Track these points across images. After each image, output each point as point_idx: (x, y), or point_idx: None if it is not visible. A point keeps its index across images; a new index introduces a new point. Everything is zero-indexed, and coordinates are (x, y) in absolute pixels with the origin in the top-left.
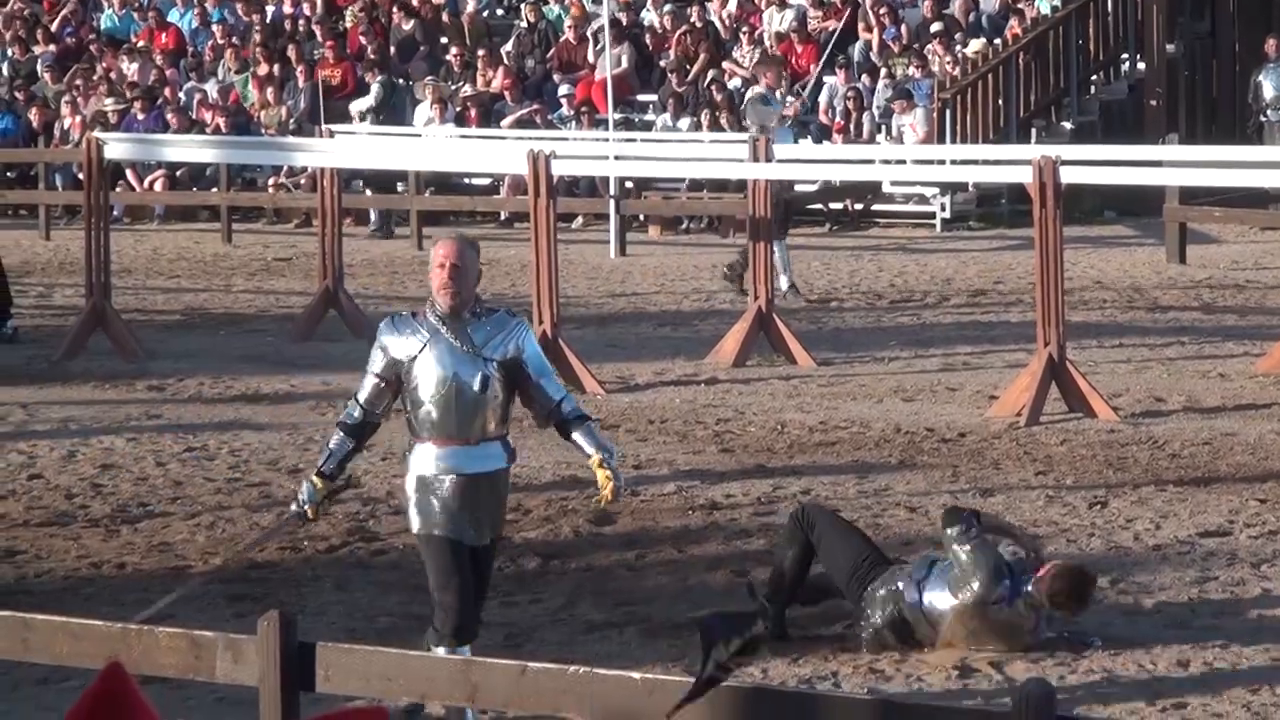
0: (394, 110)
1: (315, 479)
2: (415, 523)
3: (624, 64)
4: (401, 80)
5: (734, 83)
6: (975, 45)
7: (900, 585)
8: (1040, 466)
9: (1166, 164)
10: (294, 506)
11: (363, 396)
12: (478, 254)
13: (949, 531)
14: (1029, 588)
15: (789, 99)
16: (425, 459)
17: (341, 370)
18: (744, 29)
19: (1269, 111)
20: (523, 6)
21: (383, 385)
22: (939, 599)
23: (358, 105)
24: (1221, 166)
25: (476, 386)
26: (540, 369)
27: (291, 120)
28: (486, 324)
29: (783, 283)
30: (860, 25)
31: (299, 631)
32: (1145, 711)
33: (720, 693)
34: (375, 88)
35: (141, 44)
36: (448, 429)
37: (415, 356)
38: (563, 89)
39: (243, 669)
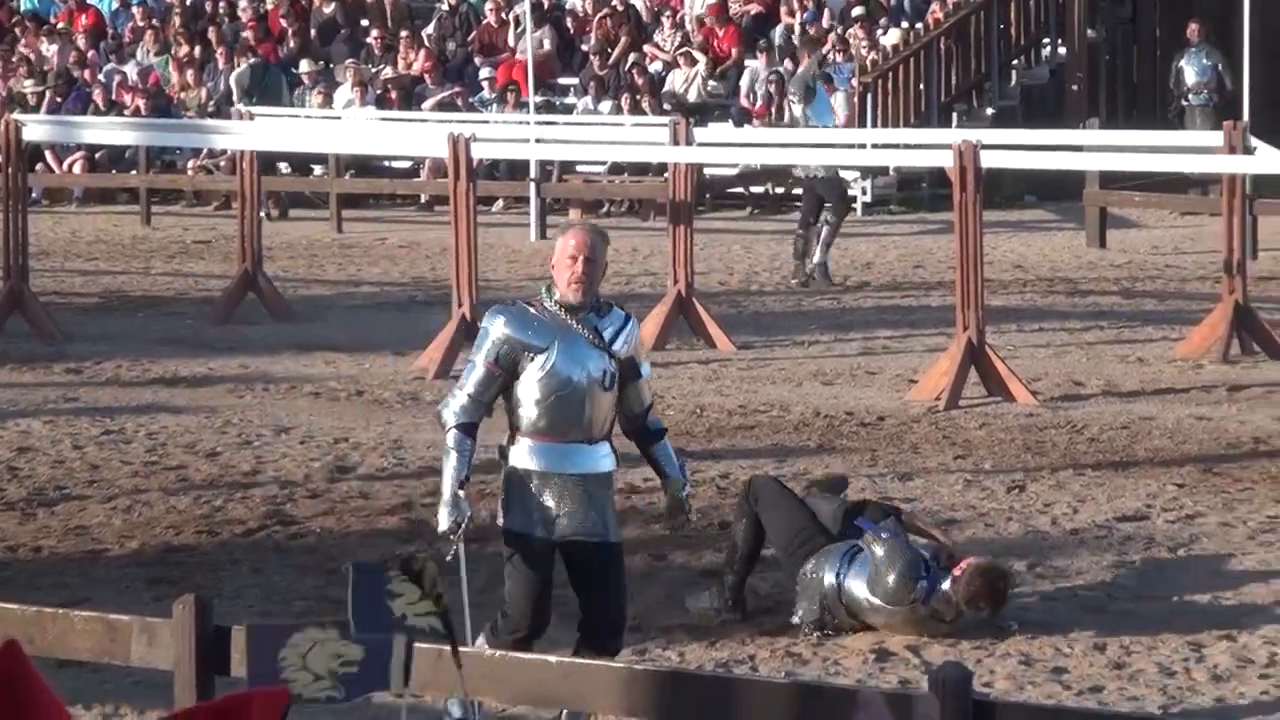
0: (268, 92)
1: (460, 493)
2: (515, 520)
3: (545, 47)
4: (323, 63)
5: (655, 66)
6: (895, 33)
7: (825, 570)
8: (959, 450)
9: (1087, 149)
10: (445, 525)
11: (471, 388)
12: (607, 245)
13: (867, 529)
14: (945, 586)
15: (813, 66)
16: (537, 456)
17: (260, 353)
18: (665, 13)
19: (1190, 96)
20: None
21: (497, 375)
22: (857, 588)
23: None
24: (1142, 151)
25: (605, 383)
26: (642, 371)
27: (211, 103)
28: (609, 319)
29: (816, 257)
30: (782, 9)
31: (215, 615)
32: (1061, 695)
33: (637, 676)
34: (244, 68)
35: (61, 25)
36: (569, 426)
37: (545, 350)
38: (484, 72)
39: (158, 652)
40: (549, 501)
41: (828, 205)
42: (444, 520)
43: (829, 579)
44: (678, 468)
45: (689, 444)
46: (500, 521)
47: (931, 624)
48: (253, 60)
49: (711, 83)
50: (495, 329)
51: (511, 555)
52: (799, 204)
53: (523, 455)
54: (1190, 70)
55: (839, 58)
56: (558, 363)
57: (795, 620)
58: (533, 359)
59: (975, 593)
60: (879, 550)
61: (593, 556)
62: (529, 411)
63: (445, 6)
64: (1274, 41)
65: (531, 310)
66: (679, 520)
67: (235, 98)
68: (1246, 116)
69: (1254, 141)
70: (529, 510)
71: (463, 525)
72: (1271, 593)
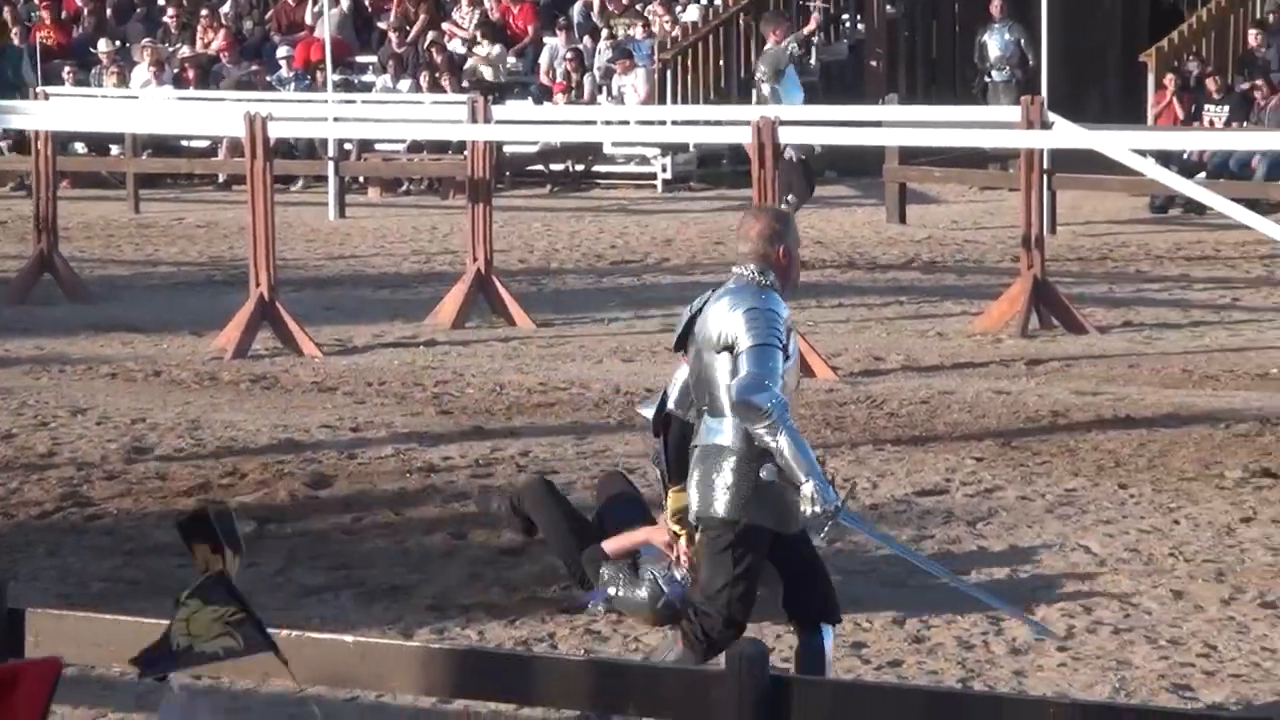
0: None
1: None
2: (760, 515)
3: (343, 25)
4: (120, 42)
5: (454, 44)
6: (695, 10)
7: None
8: None
9: (886, 124)
10: (822, 506)
11: (778, 372)
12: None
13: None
14: (680, 575)
15: (791, 46)
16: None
17: (56, 334)
18: None
19: (993, 72)
20: None
21: (785, 360)
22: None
23: None
24: (941, 127)
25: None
26: None
27: None
28: None
29: None
30: None
31: (9, 597)
32: (861, 670)
33: (435, 655)
34: None
35: None
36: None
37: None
38: (281, 50)
39: None
40: (789, 496)
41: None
42: (821, 501)
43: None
44: None
45: (488, 422)
46: (721, 513)
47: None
48: None
49: (510, 60)
50: (781, 309)
51: (742, 552)
52: (600, 181)
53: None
54: (993, 45)
55: (639, 34)
56: (795, 348)
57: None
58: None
59: None
60: (617, 605)
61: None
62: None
63: None
64: (1071, 17)
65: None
66: None
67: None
68: (1045, 92)
69: (1051, 116)
70: (771, 504)
71: (840, 507)
72: (1069, 565)
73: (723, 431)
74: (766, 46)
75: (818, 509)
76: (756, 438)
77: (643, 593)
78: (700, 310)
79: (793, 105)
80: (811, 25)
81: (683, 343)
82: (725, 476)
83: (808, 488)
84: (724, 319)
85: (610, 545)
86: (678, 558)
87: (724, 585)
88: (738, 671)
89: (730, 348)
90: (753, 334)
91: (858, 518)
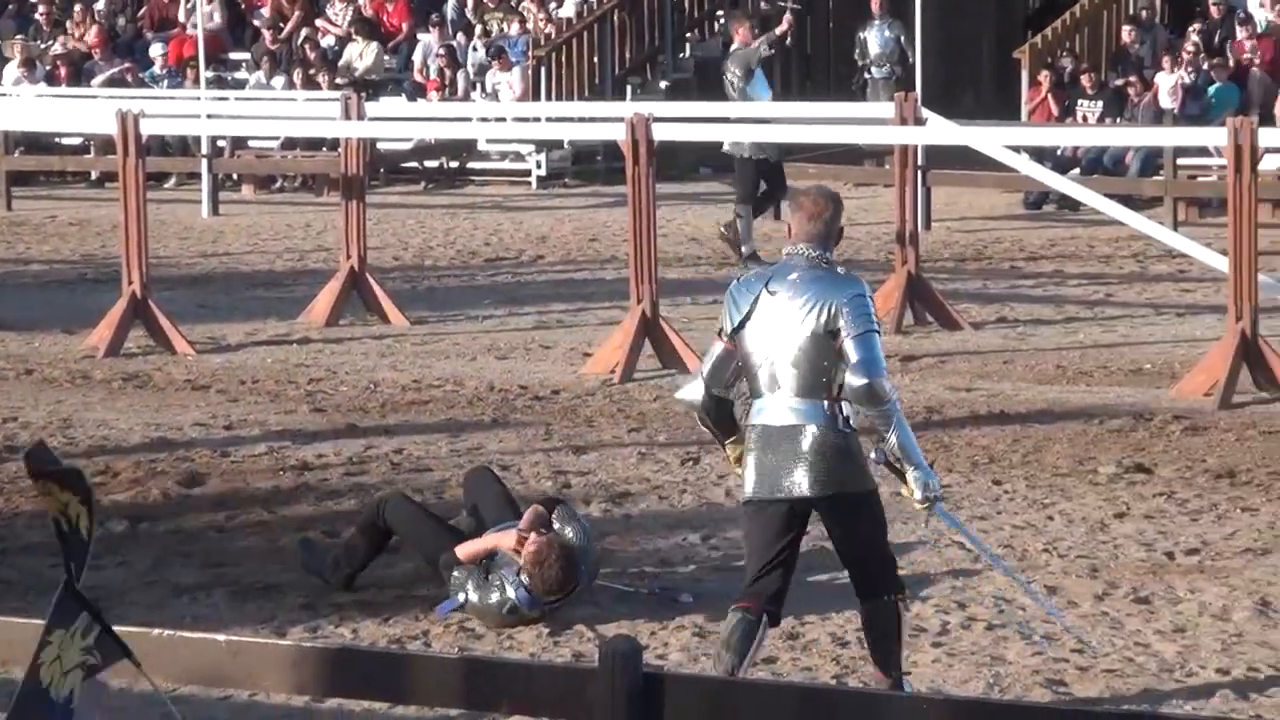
0: None
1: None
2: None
3: (216, 21)
4: None
5: (327, 40)
6: (570, 6)
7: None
8: (633, 423)
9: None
10: (926, 492)
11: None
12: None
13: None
14: (529, 593)
15: (762, 47)
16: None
17: None
18: None
19: (873, 69)
20: None
21: None
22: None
23: None
24: (816, 123)
25: None
26: None
27: None
28: None
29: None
30: None
31: None
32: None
33: (306, 654)
34: None
35: None
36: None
37: None
38: (155, 47)
39: None
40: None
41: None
42: (925, 488)
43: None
44: None
45: (362, 420)
46: (867, 486)
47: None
48: None
49: (385, 57)
50: (870, 294)
51: (878, 511)
52: (475, 178)
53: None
54: (874, 42)
55: (513, 30)
56: None
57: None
58: None
59: (551, 581)
60: (470, 610)
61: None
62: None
63: None
64: (946, 14)
65: None
66: None
67: None
68: (920, 88)
69: (926, 113)
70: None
71: (941, 496)
72: (943, 561)
73: (813, 412)
74: (734, 46)
75: (920, 494)
76: (869, 419)
77: (493, 597)
78: (767, 296)
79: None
80: (784, 26)
81: (738, 328)
82: (846, 453)
83: (915, 474)
84: (825, 305)
85: (463, 550)
86: (523, 564)
87: (885, 537)
88: (611, 669)
89: (834, 333)
90: (861, 320)
91: (948, 512)
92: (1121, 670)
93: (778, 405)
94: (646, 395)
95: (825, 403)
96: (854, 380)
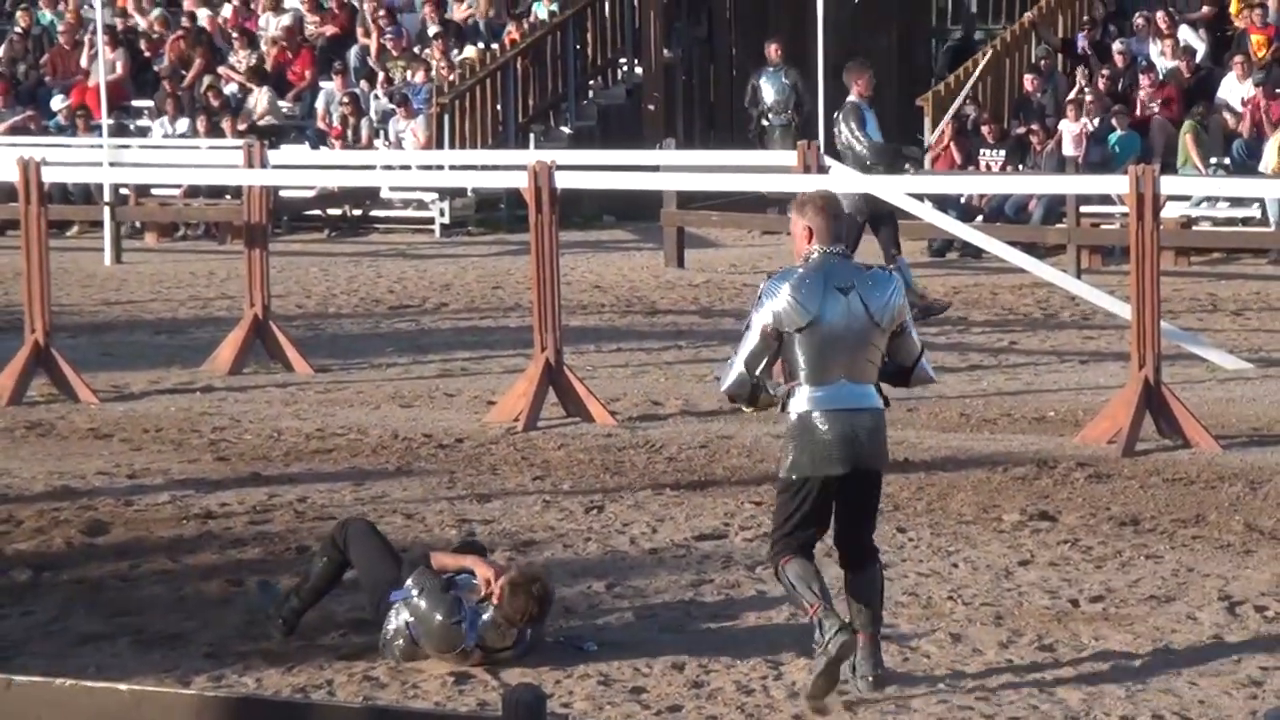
0: None
1: None
2: None
3: (118, 70)
4: None
5: (230, 88)
6: (470, 51)
7: (401, 617)
8: (537, 471)
9: (664, 168)
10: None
11: None
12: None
13: (408, 582)
14: (487, 616)
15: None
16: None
17: None
18: (238, 34)
19: (770, 115)
20: (17, 12)
21: None
22: (422, 642)
23: None
24: (718, 171)
25: None
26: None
27: None
28: None
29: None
30: (359, 30)
31: None
32: (640, 715)
33: (209, 703)
34: None
35: None
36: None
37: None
38: (56, 100)
39: None
40: None
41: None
42: None
43: (400, 627)
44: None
45: (265, 468)
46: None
47: (495, 657)
48: None
49: (285, 104)
50: None
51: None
52: (378, 226)
53: None
54: (769, 89)
55: (416, 78)
56: None
57: (381, 646)
58: None
59: (522, 609)
60: (412, 611)
61: None
62: None
63: (17, 30)
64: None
65: None
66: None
67: None
68: (821, 136)
69: (828, 160)
70: None
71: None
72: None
73: (875, 396)
74: (851, 97)
75: None
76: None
77: (440, 611)
78: (839, 293)
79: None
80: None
81: (812, 323)
82: (885, 433)
83: None
84: (892, 303)
85: (438, 558)
86: (491, 596)
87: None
88: (515, 718)
89: (901, 329)
90: (910, 316)
91: None
92: (1025, 718)
93: (849, 391)
94: (551, 443)
95: (875, 387)
96: (922, 369)
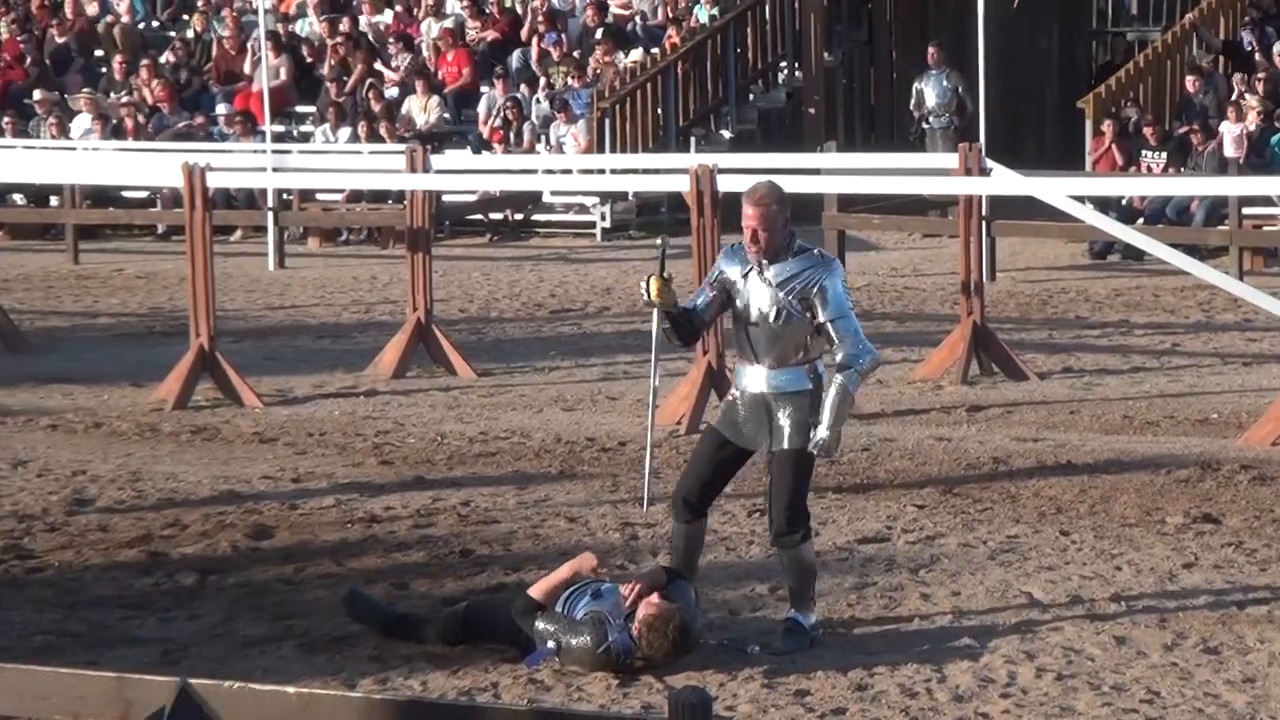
0: None
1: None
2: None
3: (282, 76)
4: (58, 93)
5: (392, 92)
6: (635, 54)
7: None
8: None
9: (824, 172)
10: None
11: (700, 299)
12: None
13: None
14: (629, 641)
15: None
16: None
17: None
18: (398, 39)
19: (931, 119)
20: (193, 16)
21: (713, 295)
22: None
23: None
24: (878, 174)
25: (772, 318)
26: (835, 311)
27: None
28: (791, 263)
29: None
30: (522, 33)
31: None
32: (805, 717)
33: (376, 706)
34: None
35: None
36: (745, 352)
37: (735, 283)
38: (221, 107)
39: None
40: (728, 409)
41: None
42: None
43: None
44: (830, 414)
45: (429, 472)
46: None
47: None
48: None
49: (438, 108)
50: (717, 263)
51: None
52: (540, 230)
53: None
54: (930, 92)
55: (576, 83)
56: (741, 296)
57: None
58: (735, 289)
59: (660, 648)
60: (563, 656)
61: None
62: (734, 337)
63: (190, 33)
64: (1009, 64)
65: (744, 251)
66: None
67: None
68: (983, 138)
69: (990, 163)
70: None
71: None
72: (1012, 612)
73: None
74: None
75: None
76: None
77: (585, 638)
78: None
79: None
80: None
81: None
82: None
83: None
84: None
85: (537, 589)
86: (639, 619)
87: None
88: (678, 719)
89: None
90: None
91: None
92: None
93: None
94: None
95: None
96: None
